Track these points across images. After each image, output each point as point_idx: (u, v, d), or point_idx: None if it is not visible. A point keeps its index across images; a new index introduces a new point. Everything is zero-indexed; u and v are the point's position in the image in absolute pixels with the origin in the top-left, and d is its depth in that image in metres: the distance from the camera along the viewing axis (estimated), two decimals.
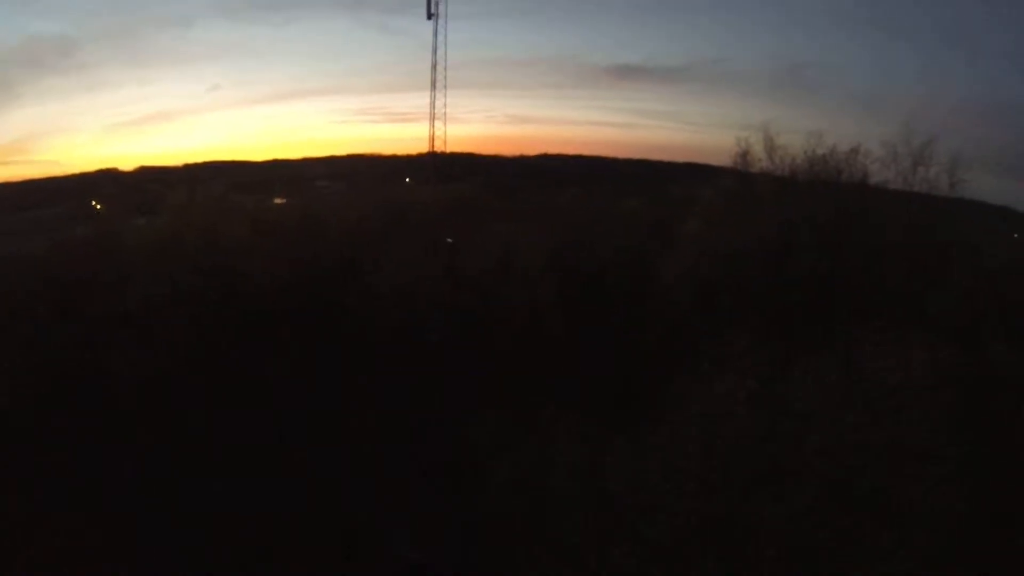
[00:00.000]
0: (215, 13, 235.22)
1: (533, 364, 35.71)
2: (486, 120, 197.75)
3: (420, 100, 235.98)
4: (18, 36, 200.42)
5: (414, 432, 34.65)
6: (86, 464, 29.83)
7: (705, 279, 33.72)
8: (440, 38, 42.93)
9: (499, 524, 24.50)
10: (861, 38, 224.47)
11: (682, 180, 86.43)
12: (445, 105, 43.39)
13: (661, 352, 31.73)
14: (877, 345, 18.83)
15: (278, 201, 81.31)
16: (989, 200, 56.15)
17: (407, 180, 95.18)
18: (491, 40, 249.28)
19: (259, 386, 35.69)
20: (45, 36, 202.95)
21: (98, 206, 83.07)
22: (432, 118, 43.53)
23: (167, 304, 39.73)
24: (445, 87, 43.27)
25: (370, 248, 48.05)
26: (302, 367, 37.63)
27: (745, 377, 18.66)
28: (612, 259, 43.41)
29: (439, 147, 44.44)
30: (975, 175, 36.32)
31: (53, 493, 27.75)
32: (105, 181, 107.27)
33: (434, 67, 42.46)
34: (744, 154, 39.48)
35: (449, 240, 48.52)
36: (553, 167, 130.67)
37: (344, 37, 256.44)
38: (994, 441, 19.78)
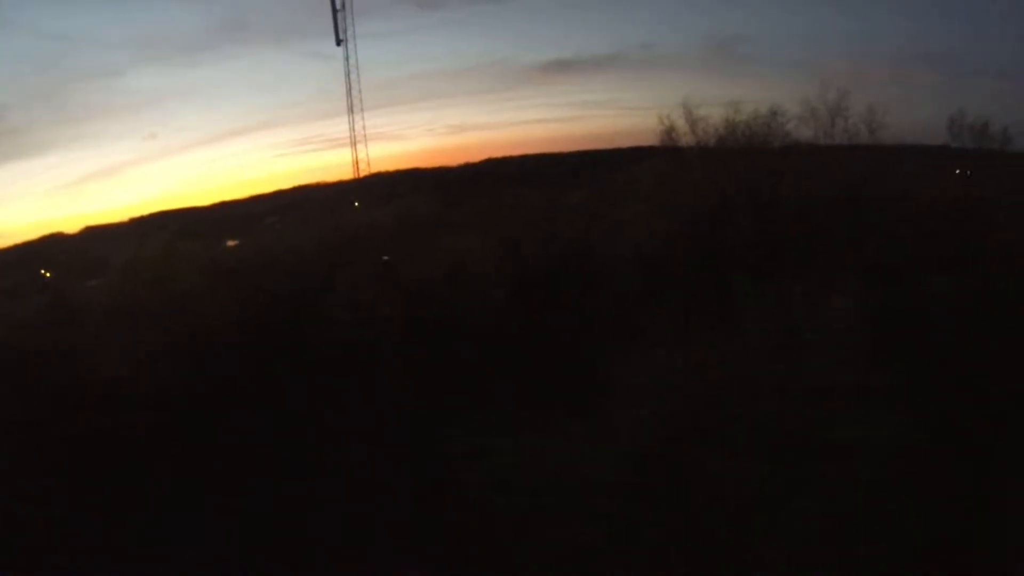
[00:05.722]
0: (143, 61, 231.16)
1: (493, 366, 35.97)
2: (427, 133, 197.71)
3: (359, 122, 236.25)
4: None
5: (385, 447, 34.71)
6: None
7: (644, 257, 34.33)
8: (352, 61, 43.18)
9: (483, 527, 24.71)
10: (790, 6, 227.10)
11: (626, 165, 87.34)
12: (364, 126, 43.84)
13: (608, 335, 32.27)
14: (805, 295, 19.59)
15: (230, 243, 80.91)
16: (930, 142, 59.36)
17: (355, 204, 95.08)
18: (421, 54, 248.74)
19: (229, 420, 35.56)
20: None
21: (47, 274, 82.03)
22: (354, 141, 44.00)
23: (128, 366, 39.47)
24: (362, 108, 43.63)
25: (324, 273, 48.29)
26: (267, 396, 37.53)
27: (685, 345, 19.32)
28: (559, 252, 43.98)
29: (363, 169, 45.11)
30: (917, 119, 37.53)
31: None
32: (51, 246, 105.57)
33: (349, 92, 42.69)
34: (669, 131, 40.27)
35: (385, 258, 49.18)
36: (500, 170, 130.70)
37: (276, 69, 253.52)
38: (925, 370, 20.48)
